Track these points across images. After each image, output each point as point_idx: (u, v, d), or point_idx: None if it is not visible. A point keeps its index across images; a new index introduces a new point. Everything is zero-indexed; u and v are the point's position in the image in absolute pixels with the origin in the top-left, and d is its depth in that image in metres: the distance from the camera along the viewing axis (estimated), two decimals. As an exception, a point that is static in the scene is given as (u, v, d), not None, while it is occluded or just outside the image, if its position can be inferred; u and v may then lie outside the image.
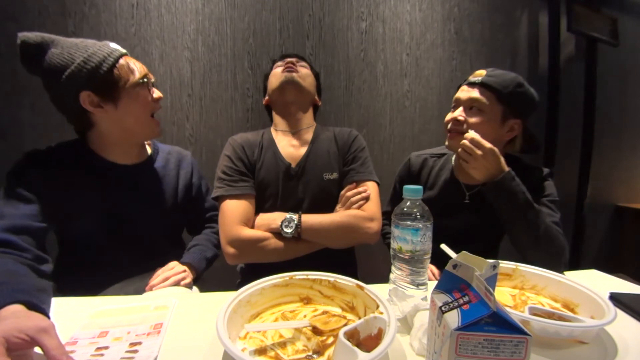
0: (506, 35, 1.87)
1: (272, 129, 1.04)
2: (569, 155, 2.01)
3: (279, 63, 1.01)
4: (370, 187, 0.94)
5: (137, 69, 0.84)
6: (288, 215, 0.86)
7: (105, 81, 0.78)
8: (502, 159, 0.87)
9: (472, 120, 0.91)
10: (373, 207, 0.91)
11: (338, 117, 1.72)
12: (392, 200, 1.19)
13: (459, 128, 0.93)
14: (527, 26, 1.92)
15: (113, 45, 0.83)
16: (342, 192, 0.94)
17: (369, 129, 1.76)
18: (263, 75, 1.14)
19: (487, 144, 0.86)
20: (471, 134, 0.88)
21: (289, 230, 0.84)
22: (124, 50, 0.84)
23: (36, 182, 0.76)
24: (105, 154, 0.87)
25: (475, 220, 1.00)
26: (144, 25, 1.47)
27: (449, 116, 0.97)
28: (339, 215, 0.89)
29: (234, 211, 0.86)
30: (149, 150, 0.97)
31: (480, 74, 0.92)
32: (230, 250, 0.85)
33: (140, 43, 1.47)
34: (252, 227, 0.89)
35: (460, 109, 0.94)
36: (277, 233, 0.85)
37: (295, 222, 0.84)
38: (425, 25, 1.77)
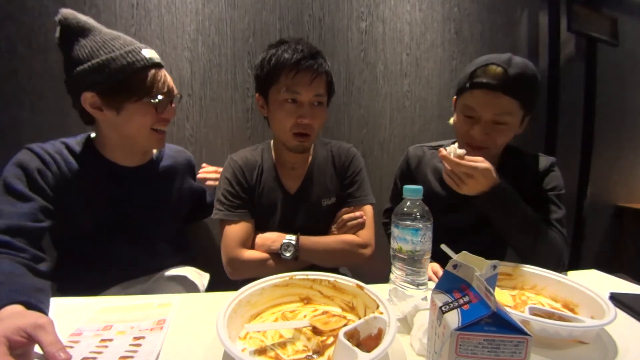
0: (506, 35, 1.87)
1: (272, 144, 1.01)
2: (569, 155, 2.01)
3: (289, 96, 0.85)
4: (367, 212, 0.97)
5: (158, 86, 0.78)
6: (286, 238, 0.89)
7: (113, 89, 0.75)
8: (494, 170, 0.79)
9: (497, 134, 0.84)
10: (367, 234, 0.95)
11: (338, 117, 1.72)
12: (393, 198, 1.17)
13: (482, 144, 0.86)
14: (527, 26, 1.92)
15: (146, 53, 0.77)
16: (339, 213, 0.97)
17: (369, 129, 1.76)
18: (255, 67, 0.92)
19: (481, 166, 0.76)
20: (457, 151, 0.78)
21: (288, 254, 0.88)
22: (155, 61, 0.78)
23: (37, 179, 0.75)
24: (107, 155, 0.86)
25: (481, 217, 0.94)
26: (144, 25, 1.47)
27: (463, 125, 0.87)
28: (335, 241, 0.92)
29: (234, 234, 0.89)
30: (154, 151, 0.95)
31: (497, 75, 0.80)
32: (230, 269, 0.89)
33: (140, 43, 1.47)
34: (252, 245, 0.92)
35: (480, 125, 0.84)
36: (276, 253, 0.89)
37: (294, 244, 0.88)
38: (425, 25, 1.77)
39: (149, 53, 0.78)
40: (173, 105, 0.87)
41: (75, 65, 0.73)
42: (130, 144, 0.85)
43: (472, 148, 0.86)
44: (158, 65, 0.80)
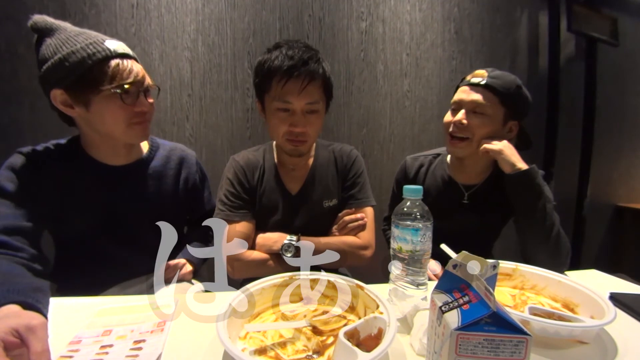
0: (506, 35, 1.88)
1: (274, 145, 1.02)
2: (569, 155, 2.01)
3: (280, 105, 0.84)
4: (368, 214, 0.97)
5: (123, 76, 0.75)
6: (287, 239, 0.89)
7: (77, 83, 0.73)
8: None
9: (476, 123, 0.90)
10: (368, 236, 0.95)
11: (338, 117, 1.72)
12: (391, 205, 1.19)
13: (463, 134, 0.92)
14: (527, 26, 1.92)
15: (110, 43, 0.76)
16: (340, 214, 0.98)
17: (369, 129, 1.76)
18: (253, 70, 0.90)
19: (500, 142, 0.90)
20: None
21: (289, 255, 0.88)
22: (120, 52, 0.76)
23: (29, 181, 0.75)
24: (93, 154, 0.84)
25: (472, 222, 1.00)
26: (144, 25, 1.47)
27: (449, 117, 0.96)
28: (336, 242, 0.92)
29: (235, 234, 0.90)
30: (145, 148, 0.93)
31: (481, 75, 0.91)
32: (231, 269, 0.89)
33: (140, 43, 1.47)
34: (253, 244, 0.92)
35: (462, 111, 0.92)
36: (277, 254, 0.89)
37: (295, 245, 0.88)
38: (425, 25, 1.77)
39: (113, 44, 0.76)
40: (150, 99, 0.83)
41: (42, 64, 0.74)
42: (111, 140, 0.83)
43: (451, 137, 0.95)
44: (124, 56, 0.77)
